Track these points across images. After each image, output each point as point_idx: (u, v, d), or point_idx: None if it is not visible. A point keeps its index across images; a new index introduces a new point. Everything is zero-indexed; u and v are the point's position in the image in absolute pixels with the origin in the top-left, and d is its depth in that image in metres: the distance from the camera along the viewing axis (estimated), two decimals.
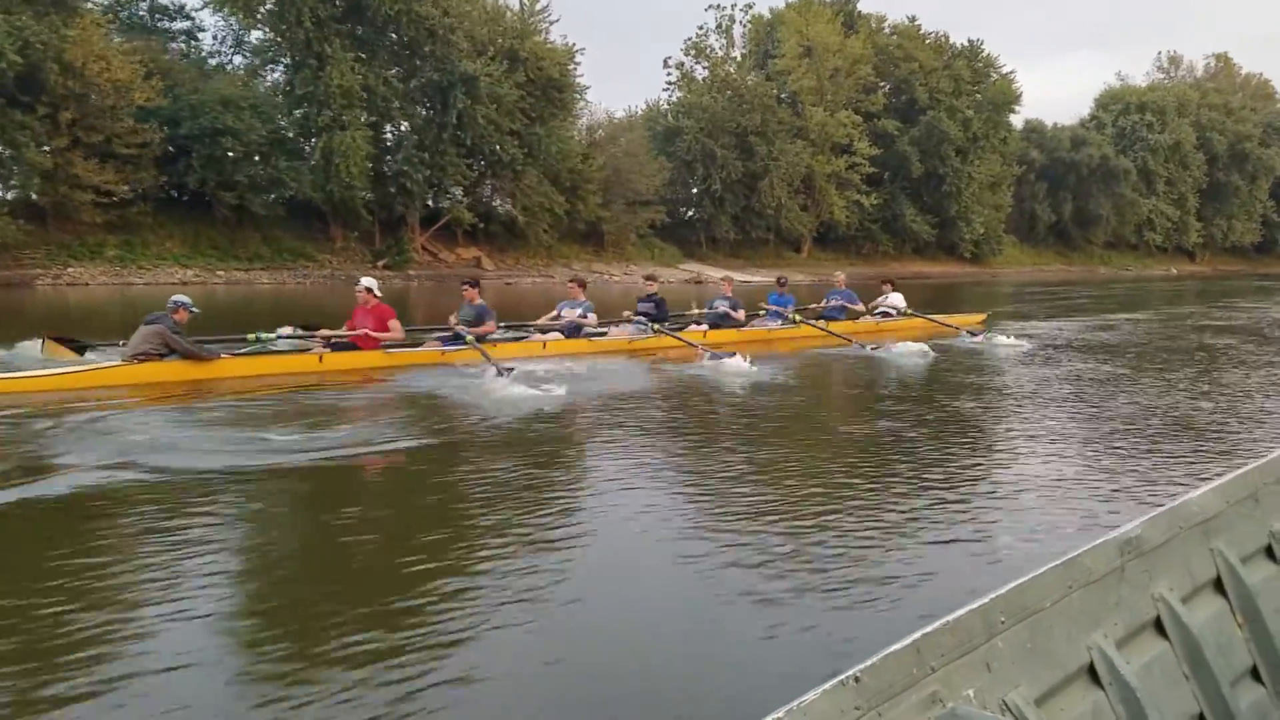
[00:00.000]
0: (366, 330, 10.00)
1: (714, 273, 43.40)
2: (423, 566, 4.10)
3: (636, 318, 12.44)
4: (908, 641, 1.57)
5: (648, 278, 13.62)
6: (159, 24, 34.83)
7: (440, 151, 33.21)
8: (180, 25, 35.68)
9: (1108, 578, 2.05)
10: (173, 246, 31.07)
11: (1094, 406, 8.75)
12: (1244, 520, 2.54)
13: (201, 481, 5.42)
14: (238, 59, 35.41)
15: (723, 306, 13.63)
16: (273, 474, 5.65)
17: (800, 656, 3.26)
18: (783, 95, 49.99)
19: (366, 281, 10.26)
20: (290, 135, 31.73)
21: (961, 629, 1.66)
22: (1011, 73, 57.50)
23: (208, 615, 3.54)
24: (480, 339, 10.33)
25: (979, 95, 54.29)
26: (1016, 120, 64.03)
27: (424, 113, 33.57)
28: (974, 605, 1.71)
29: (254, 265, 31.89)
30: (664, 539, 4.51)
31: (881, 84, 51.42)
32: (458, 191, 34.01)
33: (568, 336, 11.65)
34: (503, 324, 11.73)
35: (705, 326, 13.20)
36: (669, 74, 47.26)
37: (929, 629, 1.61)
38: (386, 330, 10.10)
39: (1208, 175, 72.55)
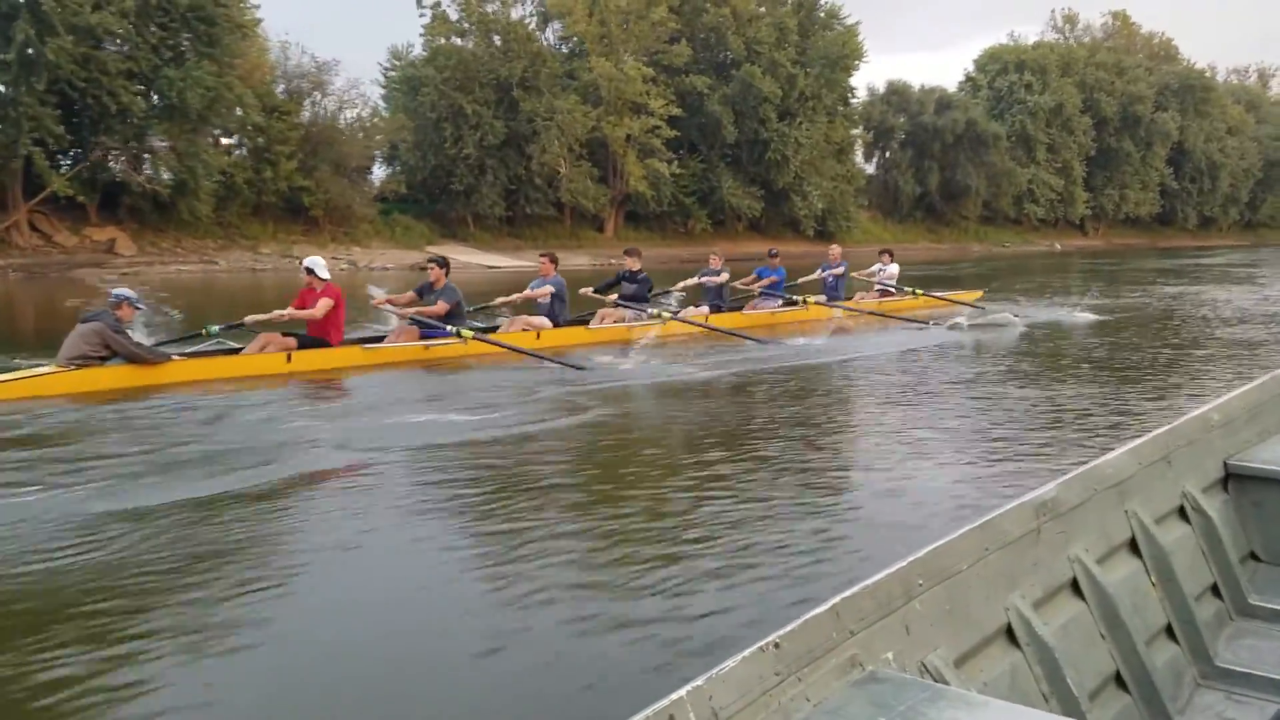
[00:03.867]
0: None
1: (468, 257, 36.17)
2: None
3: (623, 303, 11.57)
4: (827, 606, 1.56)
5: (628, 252, 12.32)
6: None
7: (12, 101, 25.55)
8: None
9: (1024, 539, 2.05)
10: None
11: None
12: (1157, 482, 2.59)
13: None
14: None
15: (714, 283, 12.95)
16: None
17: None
18: (565, 44, 42.78)
19: (309, 261, 9.29)
20: None
21: (880, 592, 1.66)
22: (857, 24, 50.68)
23: None
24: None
25: (808, 49, 47.24)
26: (878, 80, 57.56)
27: None
28: (892, 569, 1.71)
29: None
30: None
31: (687, 33, 44.11)
32: (42, 153, 26.16)
33: (556, 324, 10.81)
34: (471, 306, 11.01)
35: (705, 309, 12.54)
36: (423, 14, 39.50)
37: (848, 593, 1.61)
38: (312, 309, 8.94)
39: (1096, 141, 66.32)
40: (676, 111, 42.13)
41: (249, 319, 9.05)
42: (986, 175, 59.32)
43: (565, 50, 45.01)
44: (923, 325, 12.82)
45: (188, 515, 4.60)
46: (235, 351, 8.84)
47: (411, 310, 9.68)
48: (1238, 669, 2.42)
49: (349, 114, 35.37)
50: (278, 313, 8.93)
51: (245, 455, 5.69)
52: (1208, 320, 14.79)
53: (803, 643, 1.47)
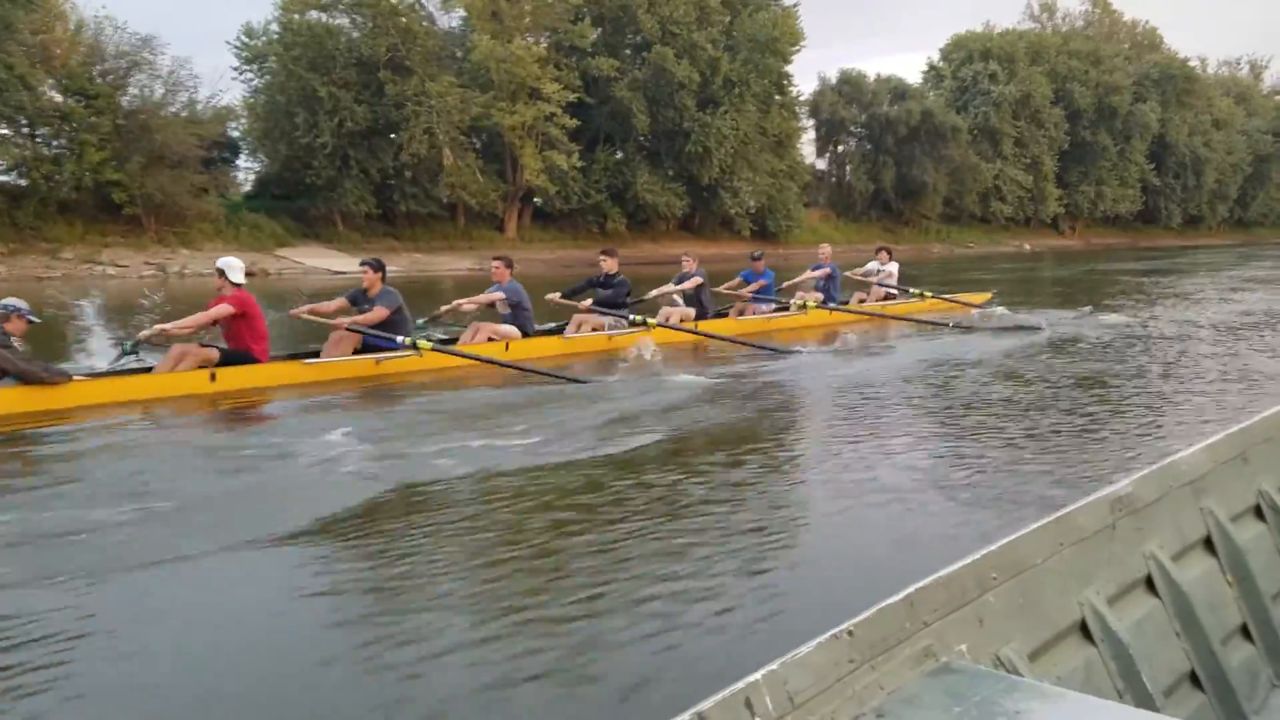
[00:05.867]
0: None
1: (316, 260, 31.76)
2: None
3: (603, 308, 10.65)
4: (900, 596, 1.55)
5: (604, 253, 11.17)
6: None
7: None
8: None
9: (1099, 535, 2.04)
10: None
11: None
12: (1233, 479, 2.55)
13: None
14: None
15: (689, 287, 11.81)
16: None
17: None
18: (450, 22, 38.42)
19: (223, 262, 8.15)
20: None
21: (954, 584, 1.65)
22: (795, 5, 46.14)
23: None
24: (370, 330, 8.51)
25: (734, 31, 42.62)
26: (830, 70, 53.18)
27: None
28: (965, 561, 1.69)
29: None
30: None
31: (593, 10, 39.55)
32: None
33: (526, 335, 9.84)
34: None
35: (691, 311, 11.56)
36: None
37: (921, 584, 1.59)
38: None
39: (1069, 134, 61.66)
40: (576, 98, 37.63)
41: (157, 328, 7.93)
42: (947, 171, 54.66)
43: (464, 30, 40.61)
44: (940, 323, 11.95)
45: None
46: (149, 370, 7.78)
47: (346, 321, 8.44)
48: None
49: (181, 98, 30.89)
50: (176, 324, 7.86)
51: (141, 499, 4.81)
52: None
53: (876, 632, 1.46)
